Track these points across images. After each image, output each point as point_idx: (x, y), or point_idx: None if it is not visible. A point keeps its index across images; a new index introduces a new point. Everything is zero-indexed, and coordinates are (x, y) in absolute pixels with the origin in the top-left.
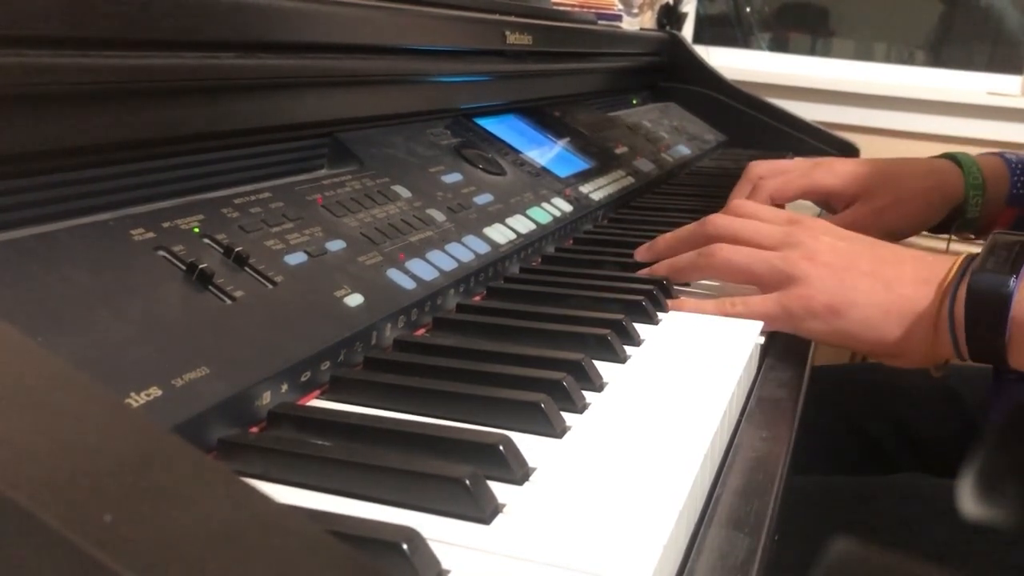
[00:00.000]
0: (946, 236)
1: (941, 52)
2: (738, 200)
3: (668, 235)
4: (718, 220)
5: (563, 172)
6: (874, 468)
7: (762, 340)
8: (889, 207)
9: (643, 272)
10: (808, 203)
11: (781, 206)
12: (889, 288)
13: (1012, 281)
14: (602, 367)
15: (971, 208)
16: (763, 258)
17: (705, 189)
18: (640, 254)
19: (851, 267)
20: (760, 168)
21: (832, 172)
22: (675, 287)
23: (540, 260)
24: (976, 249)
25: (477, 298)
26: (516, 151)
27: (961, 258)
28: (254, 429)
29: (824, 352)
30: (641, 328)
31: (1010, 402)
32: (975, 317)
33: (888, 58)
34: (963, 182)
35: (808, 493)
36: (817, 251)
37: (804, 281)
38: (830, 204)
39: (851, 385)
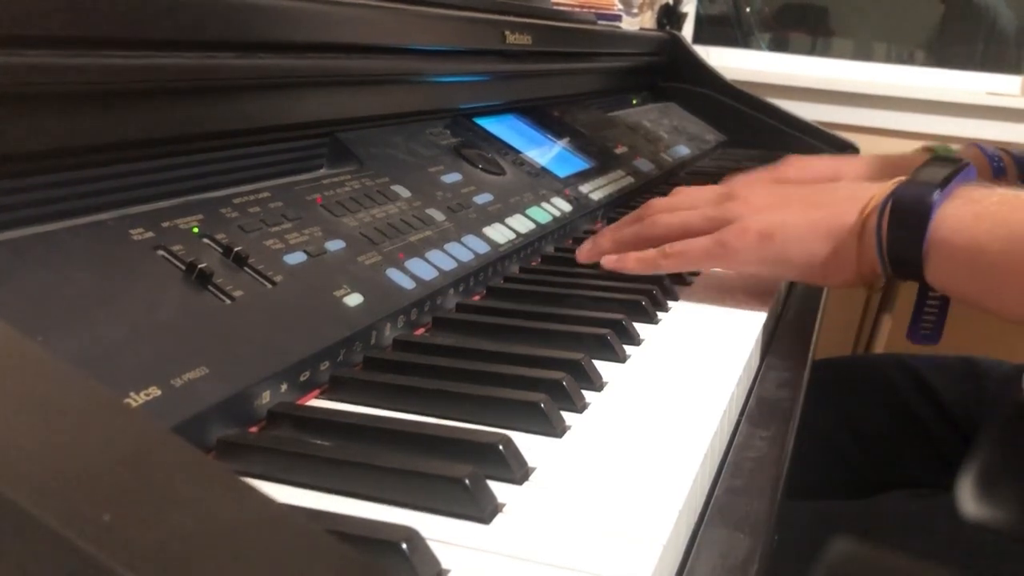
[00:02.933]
0: None
1: (941, 52)
2: (678, 187)
3: (610, 227)
4: (654, 201)
5: (563, 172)
6: (873, 467)
7: (758, 352)
8: None
9: (586, 256)
10: None
11: None
12: (821, 207)
13: (936, 193)
14: (602, 367)
15: None
16: (699, 213)
17: None
18: (582, 246)
19: (785, 200)
20: (737, 177)
21: (798, 166)
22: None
23: (540, 260)
24: None
25: (477, 298)
26: (516, 151)
27: (897, 179)
28: (254, 429)
29: (824, 347)
30: (641, 328)
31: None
32: (896, 225)
33: (888, 58)
34: None
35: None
36: (751, 196)
37: (737, 218)
38: None
39: (851, 380)
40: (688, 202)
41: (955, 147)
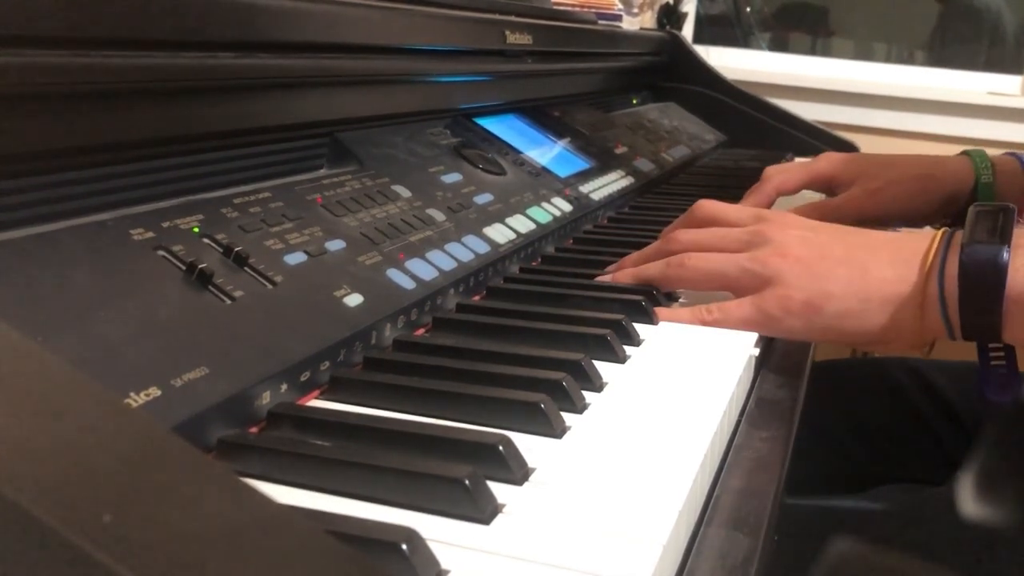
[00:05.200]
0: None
1: (941, 52)
2: (700, 201)
3: (632, 255)
4: (680, 235)
5: (563, 172)
6: (875, 462)
7: (757, 352)
8: (882, 188)
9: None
10: (814, 194)
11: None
12: (866, 273)
13: (1005, 251)
14: (602, 367)
15: (982, 191)
16: (734, 261)
17: (705, 189)
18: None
19: (824, 257)
20: (770, 168)
21: (830, 160)
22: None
23: (540, 260)
24: None
25: (477, 298)
26: (516, 151)
27: (940, 233)
28: (254, 429)
29: (824, 347)
30: (641, 328)
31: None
32: (969, 292)
33: (888, 58)
34: (972, 173)
35: (805, 513)
36: (787, 245)
37: (778, 280)
38: (832, 191)
39: (851, 380)
40: (716, 241)
41: (990, 152)
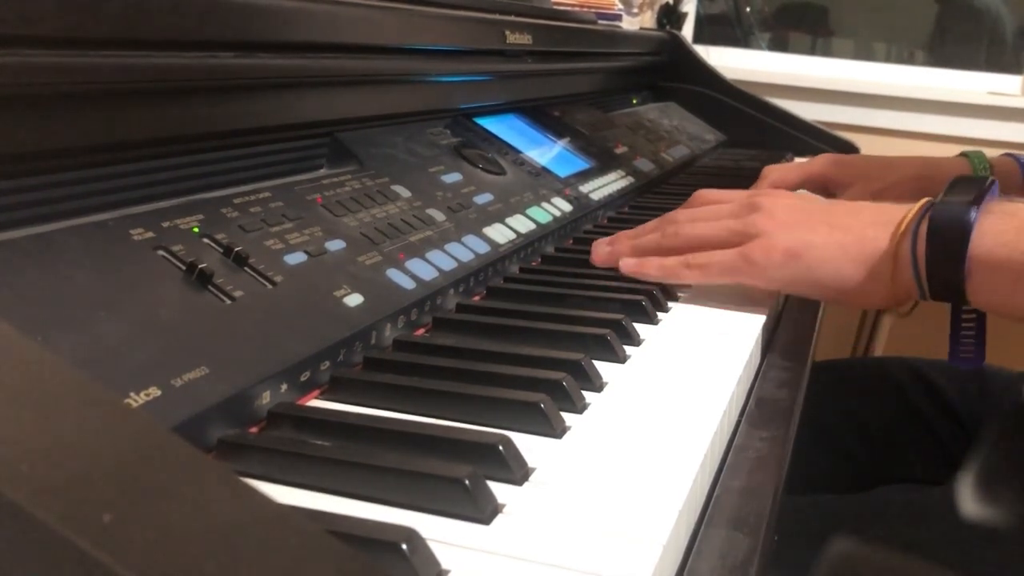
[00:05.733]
0: None
1: (941, 52)
2: (699, 190)
3: (629, 231)
4: (678, 213)
5: (563, 172)
6: (876, 461)
7: (758, 357)
8: (884, 190)
9: (604, 260)
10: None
11: None
12: (848, 230)
13: (973, 211)
14: (602, 367)
15: None
16: (723, 224)
17: None
18: (599, 250)
19: (809, 218)
20: (768, 167)
21: (828, 160)
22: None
23: (540, 260)
24: None
25: (477, 298)
26: (516, 151)
27: (923, 200)
28: (254, 429)
29: (824, 348)
30: (641, 328)
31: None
32: (935, 248)
33: (888, 58)
34: (970, 172)
35: (806, 509)
36: (775, 210)
37: (763, 234)
38: (829, 192)
39: (852, 380)
40: (711, 214)
41: (989, 153)
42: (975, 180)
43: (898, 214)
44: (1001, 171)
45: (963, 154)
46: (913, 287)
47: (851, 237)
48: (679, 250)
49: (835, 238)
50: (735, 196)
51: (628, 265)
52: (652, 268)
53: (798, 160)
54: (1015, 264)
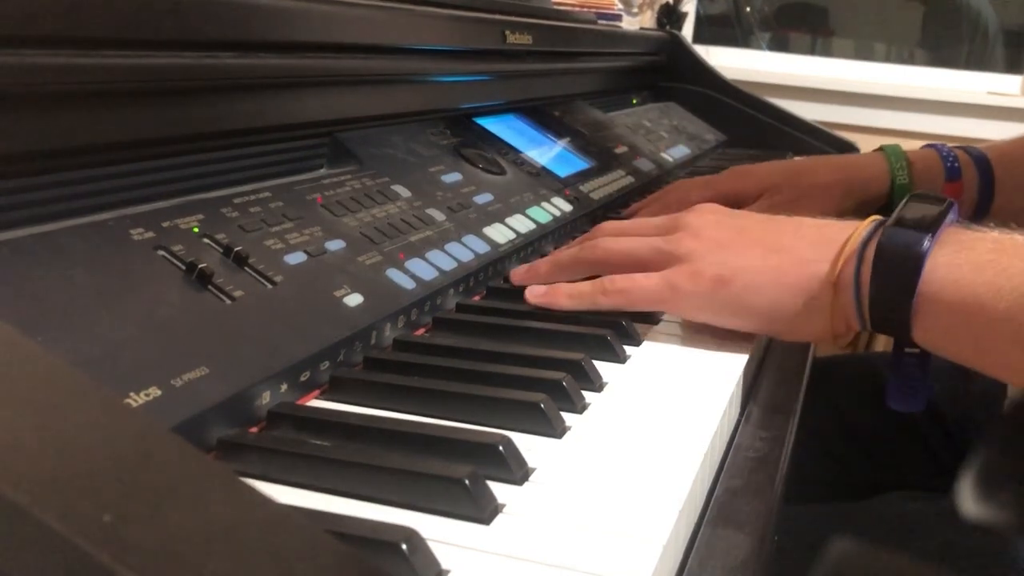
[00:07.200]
0: None
1: (942, 52)
2: (601, 223)
3: (548, 257)
4: (604, 224)
5: (563, 172)
6: (865, 468)
7: (756, 358)
8: (788, 203)
9: (521, 280)
10: None
11: None
12: (783, 252)
13: (927, 240)
14: (602, 367)
15: (898, 192)
16: (647, 242)
17: None
18: (517, 274)
19: (741, 237)
20: (674, 183)
21: (732, 173)
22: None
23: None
24: None
25: (477, 298)
26: (516, 151)
27: (871, 219)
28: (254, 429)
29: (824, 346)
30: (641, 328)
31: (907, 388)
32: (881, 277)
33: (888, 58)
34: (887, 173)
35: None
36: (702, 228)
37: (689, 257)
38: (741, 207)
39: (844, 378)
40: (638, 228)
41: (907, 145)
42: (932, 199)
43: (842, 233)
44: (921, 168)
45: (880, 148)
46: (854, 317)
47: (788, 260)
48: (598, 265)
49: (769, 261)
50: (644, 227)
51: (534, 295)
52: (562, 297)
53: (747, 166)
54: (968, 308)
